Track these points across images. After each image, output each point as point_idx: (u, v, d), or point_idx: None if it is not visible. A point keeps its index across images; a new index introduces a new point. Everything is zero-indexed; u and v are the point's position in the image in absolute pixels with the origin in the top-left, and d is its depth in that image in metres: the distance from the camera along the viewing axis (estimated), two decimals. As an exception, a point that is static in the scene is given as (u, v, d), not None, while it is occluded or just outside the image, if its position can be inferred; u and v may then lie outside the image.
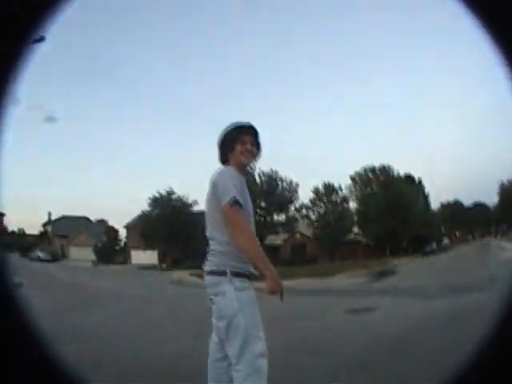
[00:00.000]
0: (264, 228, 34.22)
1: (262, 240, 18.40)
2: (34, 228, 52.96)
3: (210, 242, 2.27)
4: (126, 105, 66.65)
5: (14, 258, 31.32)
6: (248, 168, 2.59)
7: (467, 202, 63.28)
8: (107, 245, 44.26)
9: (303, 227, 40.57)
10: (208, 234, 2.28)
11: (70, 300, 10.27)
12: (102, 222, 47.43)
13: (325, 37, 67.91)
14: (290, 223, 38.87)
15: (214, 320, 2.28)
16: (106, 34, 63.78)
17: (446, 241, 46.99)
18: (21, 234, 52.09)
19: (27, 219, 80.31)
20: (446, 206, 57.31)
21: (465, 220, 59.51)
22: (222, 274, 2.14)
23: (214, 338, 2.32)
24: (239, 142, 2.29)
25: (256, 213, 28.23)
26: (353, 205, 43.65)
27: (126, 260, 42.77)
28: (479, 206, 63.90)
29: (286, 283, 2.18)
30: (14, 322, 1.06)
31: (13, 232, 49.84)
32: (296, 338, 4.89)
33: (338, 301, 9.63)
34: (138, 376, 3.44)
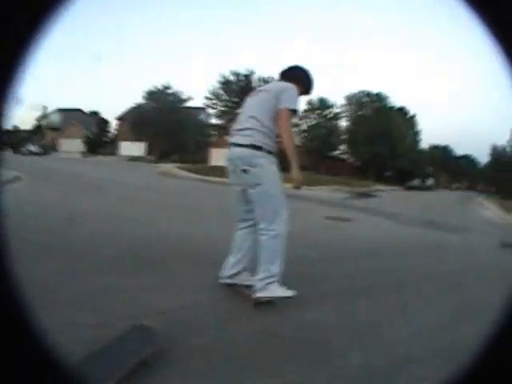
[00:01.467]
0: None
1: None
2: (28, 124, 51.71)
3: (250, 121, 2.54)
4: None
5: (6, 155, 30.86)
6: None
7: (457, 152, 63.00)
8: (97, 136, 44.46)
9: (292, 135, 41.05)
10: (251, 113, 2.55)
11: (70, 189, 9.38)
12: (95, 113, 47.17)
13: None
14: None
15: (237, 188, 2.62)
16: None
17: (430, 181, 47.36)
18: (15, 131, 50.93)
19: (22, 116, 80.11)
20: (436, 148, 57.44)
21: (451, 167, 59.82)
22: (259, 148, 2.46)
23: (239, 206, 2.66)
24: (302, 88, 2.71)
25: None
26: (343, 124, 44.23)
27: (114, 151, 42.62)
28: (467, 159, 63.89)
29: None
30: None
31: (7, 130, 49.09)
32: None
33: (318, 208, 9.95)
34: (147, 249, 3.70)
